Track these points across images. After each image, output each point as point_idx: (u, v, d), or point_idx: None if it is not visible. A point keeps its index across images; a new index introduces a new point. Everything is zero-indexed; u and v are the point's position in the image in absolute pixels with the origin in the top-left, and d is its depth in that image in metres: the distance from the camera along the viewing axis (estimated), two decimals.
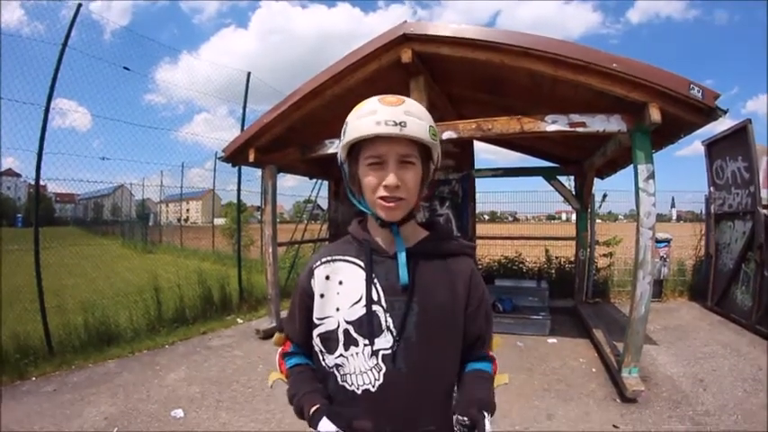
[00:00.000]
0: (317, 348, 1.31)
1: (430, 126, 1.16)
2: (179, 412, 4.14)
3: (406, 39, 4.66)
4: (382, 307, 1.22)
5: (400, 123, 1.10)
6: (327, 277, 1.30)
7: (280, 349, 1.46)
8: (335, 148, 5.62)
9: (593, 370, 5.07)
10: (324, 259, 1.34)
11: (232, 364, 5.46)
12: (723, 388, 4.49)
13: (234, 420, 4.01)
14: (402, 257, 1.22)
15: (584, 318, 6.87)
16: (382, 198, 1.15)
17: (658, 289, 8.44)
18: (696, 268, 9.14)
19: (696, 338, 6.14)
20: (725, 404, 4.12)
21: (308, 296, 1.32)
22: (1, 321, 5.27)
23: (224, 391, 4.64)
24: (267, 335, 6.48)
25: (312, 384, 1.31)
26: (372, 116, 1.12)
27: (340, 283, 1.28)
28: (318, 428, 1.17)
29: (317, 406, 1.22)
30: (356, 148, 1.19)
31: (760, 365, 5.02)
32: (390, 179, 1.13)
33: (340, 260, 1.31)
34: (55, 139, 5.91)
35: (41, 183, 5.78)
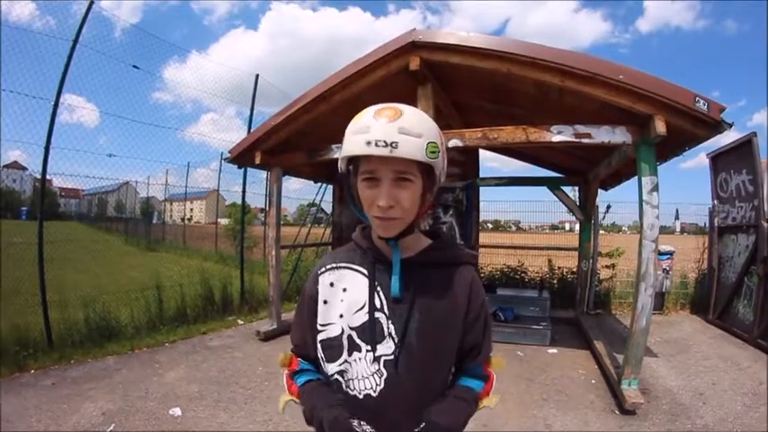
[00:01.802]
0: (319, 355, 1.31)
1: (429, 143, 1.09)
2: (177, 411, 4.15)
3: (414, 46, 4.68)
4: (384, 314, 1.22)
5: (391, 144, 1.03)
6: (332, 284, 1.31)
7: (286, 371, 1.42)
8: None
9: (593, 381, 5.06)
10: (329, 266, 1.34)
11: (232, 365, 5.46)
12: (723, 402, 4.47)
13: (232, 421, 4.02)
14: (396, 270, 1.22)
15: (585, 329, 6.86)
16: (376, 216, 1.14)
17: (660, 301, 8.41)
18: (698, 281, 9.12)
19: (697, 352, 6.13)
20: (724, 418, 4.11)
21: (315, 302, 1.32)
22: (0, 314, 5.29)
23: (223, 392, 4.65)
24: (267, 337, 6.49)
25: (328, 397, 1.26)
26: (365, 135, 1.06)
27: (344, 290, 1.29)
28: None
29: (335, 415, 1.18)
30: (354, 160, 1.17)
31: (760, 380, 5.00)
32: (382, 201, 1.09)
33: (344, 267, 1.32)
34: (62, 133, 5.95)
35: (47, 177, 5.80)
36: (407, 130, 1.06)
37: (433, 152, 1.10)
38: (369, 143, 1.05)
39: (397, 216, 1.13)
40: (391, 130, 1.05)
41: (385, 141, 1.04)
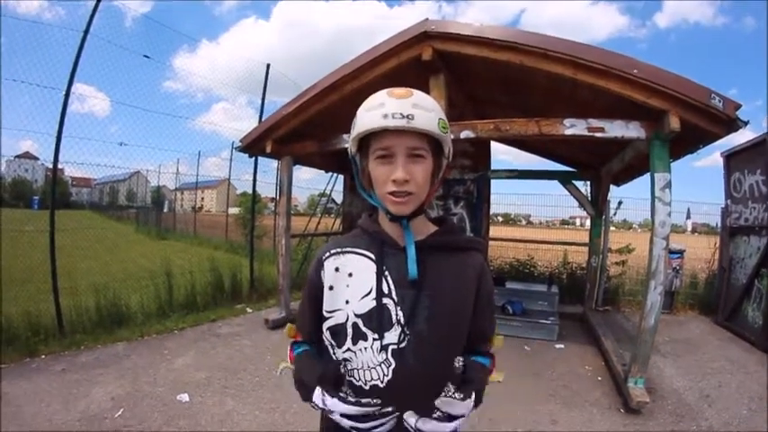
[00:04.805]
0: (326, 342, 1.30)
1: (440, 119, 1.14)
2: (185, 397, 4.19)
3: (426, 36, 4.65)
4: (393, 300, 1.21)
5: (407, 116, 1.08)
6: (337, 269, 1.29)
7: (292, 341, 1.47)
8: None
9: (599, 378, 5.04)
10: (333, 251, 1.32)
11: (240, 353, 5.50)
12: (728, 405, 4.43)
13: (239, 408, 4.05)
14: (411, 251, 1.20)
15: (593, 325, 6.82)
16: (391, 193, 1.14)
17: (669, 301, 8.33)
18: (708, 282, 9.01)
19: (704, 353, 6.07)
20: (729, 421, 4.07)
21: (317, 288, 1.32)
22: (0, 299, 5.34)
23: (231, 379, 4.68)
24: (276, 325, 6.52)
25: (315, 365, 1.33)
26: (380, 109, 1.10)
27: (350, 275, 1.27)
28: (313, 400, 1.25)
29: (313, 377, 1.27)
30: (366, 141, 1.18)
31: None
32: (398, 173, 1.11)
33: (350, 252, 1.30)
34: (74, 123, 5.98)
35: (59, 166, 5.85)
36: (420, 105, 1.11)
37: (444, 128, 1.16)
38: (386, 116, 1.09)
39: (411, 191, 1.14)
40: (406, 104, 1.10)
41: (401, 114, 1.08)
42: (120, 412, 3.84)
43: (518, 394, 4.42)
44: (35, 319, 5.38)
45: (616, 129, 4.35)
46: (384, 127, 1.09)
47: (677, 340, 6.62)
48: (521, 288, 7.60)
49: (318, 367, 1.31)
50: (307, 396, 1.29)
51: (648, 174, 4.37)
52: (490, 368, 1.39)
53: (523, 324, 6.57)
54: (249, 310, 7.68)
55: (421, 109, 1.11)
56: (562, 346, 6.19)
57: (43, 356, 5.02)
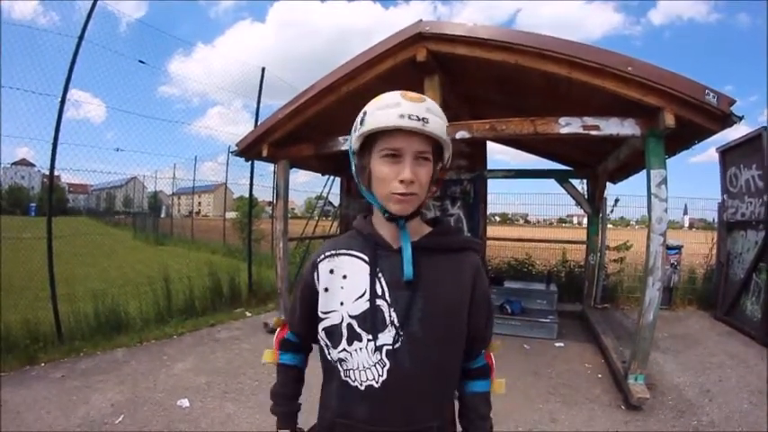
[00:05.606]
0: (322, 342, 1.30)
1: (446, 126, 1.18)
2: (185, 402, 4.18)
3: (421, 38, 4.65)
4: (386, 301, 1.21)
5: (423, 119, 1.10)
6: (331, 271, 1.30)
7: (278, 330, 1.55)
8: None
9: (599, 375, 5.05)
10: (328, 253, 1.33)
11: (239, 357, 5.50)
12: (729, 399, 4.44)
13: (239, 412, 4.05)
14: (408, 252, 1.20)
15: (592, 323, 6.83)
16: (396, 193, 1.15)
17: (668, 296, 8.32)
18: (707, 277, 9.02)
19: (704, 348, 6.08)
20: (730, 415, 4.08)
21: (311, 290, 1.33)
22: (0, 308, 5.33)
23: (230, 383, 4.68)
24: (275, 328, 6.49)
25: (291, 402, 1.49)
26: (396, 109, 1.11)
27: (344, 277, 1.28)
28: None
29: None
30: (371, 139, 1.18)
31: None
32: (406, 174, 1.11)
33: (344, 254, 1.30)
34: (69, 129, 5.97)
35: (55, 173, 5.83)
36: (432, 111, 1.15)
37: (447, 135, 1.19)
38: (402, 116, 1.10)
39: (415, 192, 1.15)
40: (422, 108, 1.13)
41: (417, 116, 1.11)
42: (120, 418, 3.83)
43: (518, 393, 4.43)
44: (34, 327, 5.36)
45: (611, 126, 4.36)
46: (399, 126, 1.10)
47: (676, 336, 6.64)
48: (519, 287, 7.62)
49: (289, 403, 1.49)
50: (273, 412, 1.48)
51: (644, 171, 4.38)
52: (491, 383, 1.42)
53: (522, 323, 6.58)
54: (248, 314, 7.67)
55: (433, 114, 1.14)
56: (562, 344, 6.20)
57: (43, 364, 5.01)
